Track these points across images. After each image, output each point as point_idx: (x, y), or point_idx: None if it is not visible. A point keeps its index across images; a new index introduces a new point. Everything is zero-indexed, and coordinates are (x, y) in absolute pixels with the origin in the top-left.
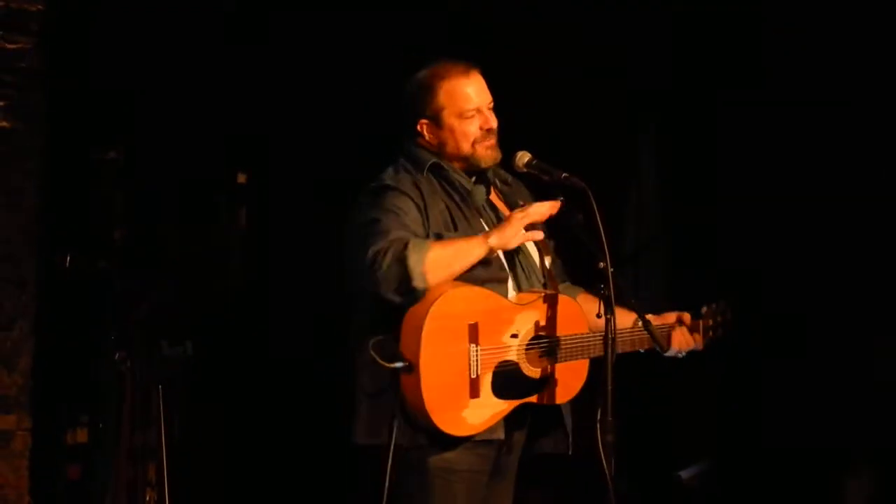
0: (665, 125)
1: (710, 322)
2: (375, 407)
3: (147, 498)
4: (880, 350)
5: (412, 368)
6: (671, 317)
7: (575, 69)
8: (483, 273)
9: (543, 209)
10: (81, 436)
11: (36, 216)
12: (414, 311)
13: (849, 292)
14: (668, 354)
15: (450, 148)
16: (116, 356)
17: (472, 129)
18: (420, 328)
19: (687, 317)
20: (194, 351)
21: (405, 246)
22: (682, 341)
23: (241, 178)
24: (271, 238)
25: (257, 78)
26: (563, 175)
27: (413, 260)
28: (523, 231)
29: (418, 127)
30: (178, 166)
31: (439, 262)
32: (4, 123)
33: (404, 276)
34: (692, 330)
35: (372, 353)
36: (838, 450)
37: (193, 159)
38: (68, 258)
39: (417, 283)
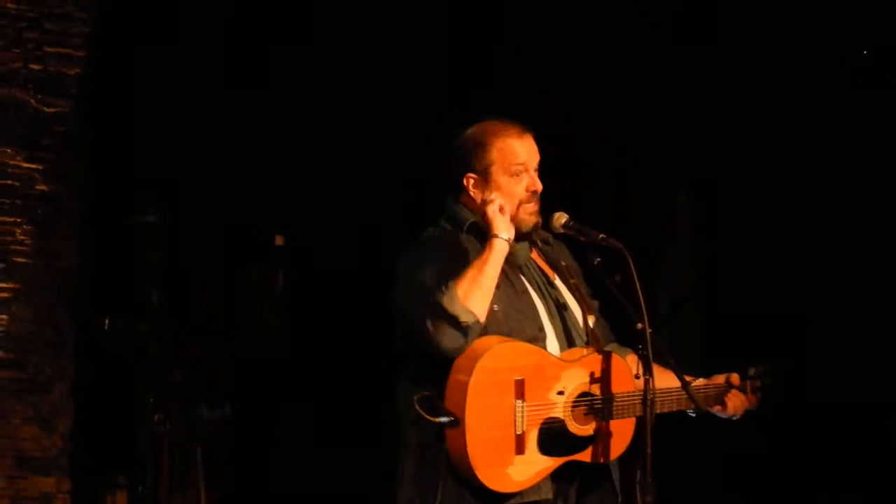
0: (698, 185)
1: (759, 383)
2: (421, 467)
3: None
4: None
5: (458, 423)
6: (720, 378)
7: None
8: (525, 330)
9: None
10: (121, 499)
11: (75, 279)
12: (459, 365)
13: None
14: (724, 417)
15: None
16: (155, 418)
17: (519, 189)
18: (466, 382)
19: (735, 378)
20: (233, 414)
21: (438, 302)
22: (737, 403)
23: (279, 241)
24: (309, 300)
25: (294, 143)
26: (601, 236)
27: (448, 304)
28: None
29: (464, 181)
30: (215, 229)
31: (469, 288)
32: (44, 187)
33: (454, 324)
34: (742, 390)
35: (417, 407)
36: None
37: (230, 222)
38: (107, 321)
39: (465, 318)
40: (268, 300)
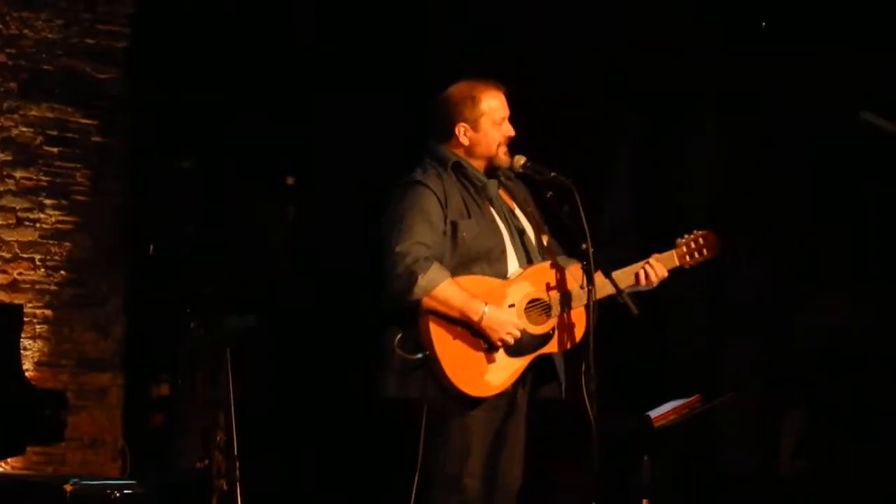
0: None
1: (685, 248)
2: (406, 371)
3: (217, 439)
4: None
5: (432, 356)
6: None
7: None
8: (486, 246)
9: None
10: (164, 390)
11: (125, 213)
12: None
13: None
14: (641, 289)
15: (480, 148)
16: (192, 326)
17: (499, 135)
18: (428, 322)
19: (653, 256)
20: (257, 322)
21: (426, 266)
22: (652, 276)
23: (289, 181)
24: (316, 231)
25: (303, 94)
26: (552, 174)
27: (423, 281)
28: (501, 336)
29: (456, 129)
30: (238, 172)
31: (442, 298)
32: (98, 139)
33: (407, 288)
34: (664, 260)
35: (397, 350)
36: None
37: (250, 165)
38: (151, 247)
39: (415, 295)
40: (281, 229)
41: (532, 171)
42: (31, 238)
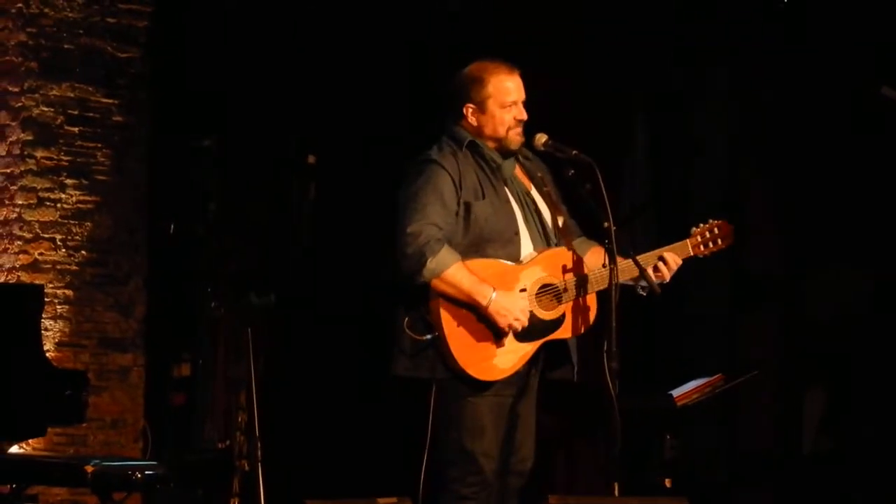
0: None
1: (699, 238)
2: (416, 352)
3: (239, 419)
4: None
5: (441, 337)
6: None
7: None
8: (498, 228)
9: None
10: (185, 370)
11: (146, 193)
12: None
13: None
14: (657, 282)
15: (488, 130)
16: (212, 305)
17: (508, 117)
18: (438, 304)
19: (667, 248)
20: (277, 301)
21: (437, 248)
22: (664, 270)
23: (311, 159)
24: (337, 209)
25: (318, 78)
26: (574, 152)
27: (432, 264)
28: (509, 322)
29: (464, 110)
30: (259, 150)
31: (450, 281)
32: (119, 118)
33: (416, 270)
34: (679, 250)
35: (406, 330)
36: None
37: (271, 144)
38: (172, 226)
39: (424, 277)
40: (303, 208)
41: (553, 149)
42: (52, 218)
